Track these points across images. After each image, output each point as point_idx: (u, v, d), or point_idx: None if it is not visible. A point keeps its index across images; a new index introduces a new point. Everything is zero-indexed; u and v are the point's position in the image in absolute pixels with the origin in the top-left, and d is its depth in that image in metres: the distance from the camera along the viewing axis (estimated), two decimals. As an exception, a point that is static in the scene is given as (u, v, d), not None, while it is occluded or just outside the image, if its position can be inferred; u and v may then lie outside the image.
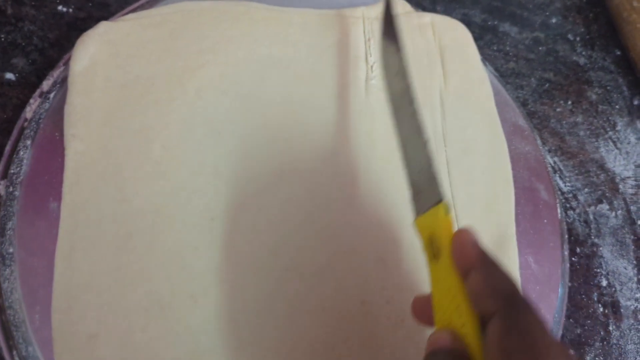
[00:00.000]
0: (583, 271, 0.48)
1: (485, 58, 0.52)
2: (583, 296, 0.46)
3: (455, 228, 0.28)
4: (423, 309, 0.30)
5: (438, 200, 0.29)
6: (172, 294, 0.34)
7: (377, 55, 0.45)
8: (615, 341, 0.45)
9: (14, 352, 0.32)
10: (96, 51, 0.39)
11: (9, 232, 0.34)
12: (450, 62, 0.47)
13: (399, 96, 0.36)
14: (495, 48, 0.57)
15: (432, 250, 0.29)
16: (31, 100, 0.39)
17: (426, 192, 0.31)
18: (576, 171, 0.52)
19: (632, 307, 0.47)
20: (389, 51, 0.39)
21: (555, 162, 0.52)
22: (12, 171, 0.36)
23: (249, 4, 0.44)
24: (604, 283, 0.48)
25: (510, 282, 0.25)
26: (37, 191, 0.36)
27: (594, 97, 0.57)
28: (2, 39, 0.43)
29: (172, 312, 0.33)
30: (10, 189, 0.35)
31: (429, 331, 0.27)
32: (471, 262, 0.26)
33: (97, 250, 0.34)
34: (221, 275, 0.35)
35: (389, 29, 0.39)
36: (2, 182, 0.36)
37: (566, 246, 0.45)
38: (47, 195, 0.35)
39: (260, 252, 0.36)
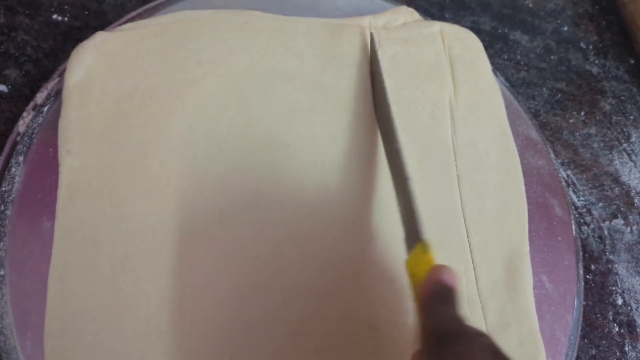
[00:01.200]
0: (598, 289, 0.46)
1: (496, 67, 0.51)
2: (598, 315, 0.45)
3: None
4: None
5: (419, 239, 0.29)
6: (171, 318, 0.32)
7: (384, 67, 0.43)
8: (631, 362, 0.44)
9: (4, 382, 0.31)
10: (92, 63, 0.37)
11: (0, 253, 0.33)
12: (460, 72, 0.45)
13: (385, 133, 0.38)
14: (505, 57, 0.55)
15: (415, 289, 0.29)
16: (24, 114, 0.38)
17: (412, 231, 0.31)
18: (590, 185, 0.51)
19: (649, 327, 0.46)
20: (377, 92, 0.40)
21: (568, 176, 0.51)
22: (3, 189, 0.35)
23: (252, 14, 0.42)
24: (620, 301, 0.46)
25: (444, 325, 0.24)
26: (29, 210, 0.35)
27: (607, 107, 0.56)
28: (-5, 49, 0.41)
29: (172, 337, 0.32)
30: (2, 208, 0.34)
31: None
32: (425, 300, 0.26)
33: (92, 272, 0.33)
34: (222, 298, 0.34)
35: (376, 67, 0.41)
36: (-7, 200, 0.35)
37: (581, 264, 0.43)
38: (40, 215, 0.35)
39: (263, 273, 0.35)
